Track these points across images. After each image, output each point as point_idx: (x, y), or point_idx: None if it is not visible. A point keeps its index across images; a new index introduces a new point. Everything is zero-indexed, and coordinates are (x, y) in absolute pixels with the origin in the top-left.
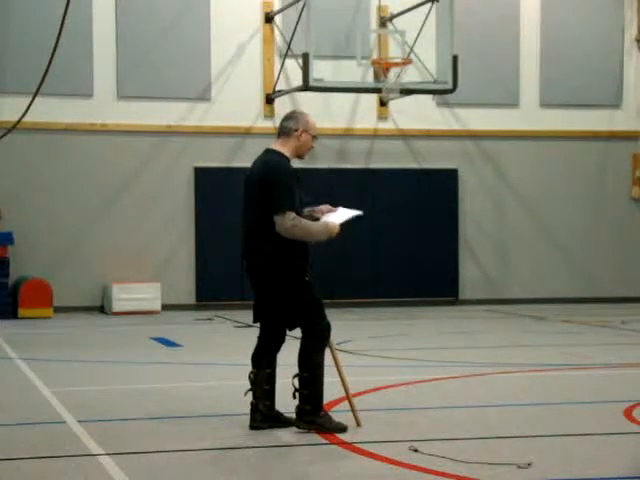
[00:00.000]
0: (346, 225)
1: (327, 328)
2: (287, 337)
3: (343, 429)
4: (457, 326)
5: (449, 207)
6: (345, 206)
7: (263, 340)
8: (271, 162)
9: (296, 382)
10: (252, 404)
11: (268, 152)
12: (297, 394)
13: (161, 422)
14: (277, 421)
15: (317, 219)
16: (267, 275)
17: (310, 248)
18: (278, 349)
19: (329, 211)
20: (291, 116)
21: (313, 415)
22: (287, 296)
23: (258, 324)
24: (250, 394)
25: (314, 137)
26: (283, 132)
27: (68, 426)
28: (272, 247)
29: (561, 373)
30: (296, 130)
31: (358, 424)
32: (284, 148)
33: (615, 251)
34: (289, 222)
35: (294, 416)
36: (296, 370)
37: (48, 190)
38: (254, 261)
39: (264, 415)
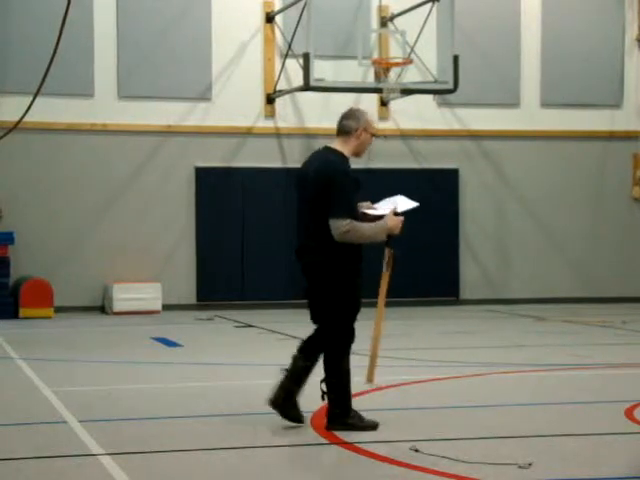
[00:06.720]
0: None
1: (353, 333)
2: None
3: (374, 426)
4: (457, 326)
5: (449, 207)
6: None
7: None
8: (330, 162)
9: (324, 386)
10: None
11: (327, 150)
12: (325, 397)
13: (161, 422)
14: (293, 408)
15: (374, 218)
16: (319, 273)
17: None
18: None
19: (368, 208)
20: (351, 115)
21: (344, 417)
22: (332, 294)
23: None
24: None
25: (373, 135)
26: (343, 131)
27: (68, 426)
28: (326, 246)
29: (561, 373)
30: (356, 130)
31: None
32: (344, 147)
33: (615, 251)
34: (343, 228)
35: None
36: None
37: (48, 190)
38: (308, 259)
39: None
